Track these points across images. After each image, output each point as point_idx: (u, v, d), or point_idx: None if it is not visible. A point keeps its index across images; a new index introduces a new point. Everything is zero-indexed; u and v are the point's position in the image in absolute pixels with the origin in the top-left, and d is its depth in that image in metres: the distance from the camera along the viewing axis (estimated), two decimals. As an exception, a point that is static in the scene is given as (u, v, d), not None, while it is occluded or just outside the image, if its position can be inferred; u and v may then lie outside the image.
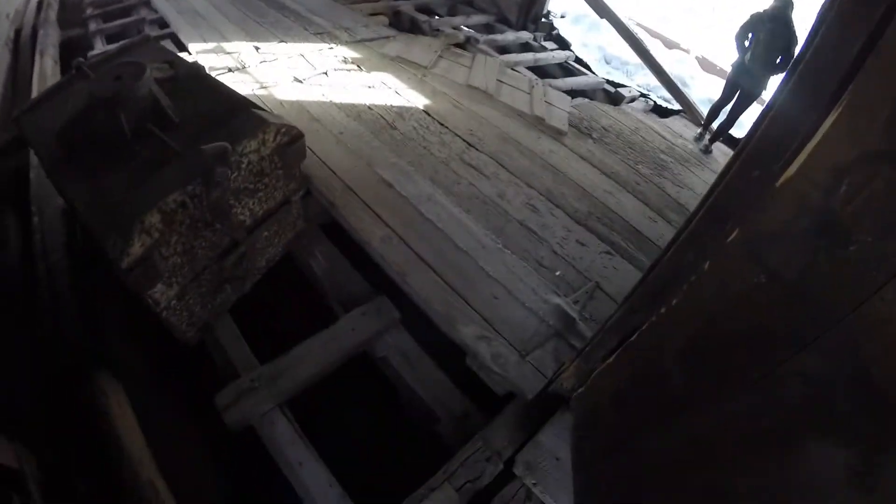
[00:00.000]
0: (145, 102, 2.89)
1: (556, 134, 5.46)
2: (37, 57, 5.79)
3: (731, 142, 7.65)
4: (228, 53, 6.00)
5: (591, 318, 3.60)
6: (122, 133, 2.80)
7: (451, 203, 4.18)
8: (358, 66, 6.14)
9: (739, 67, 6.41)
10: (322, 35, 6.87)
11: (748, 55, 6.23)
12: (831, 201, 1.32)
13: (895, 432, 1.30)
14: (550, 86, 6.81)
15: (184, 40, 6.37)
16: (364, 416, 3.55)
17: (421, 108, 5.43)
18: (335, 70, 5.92)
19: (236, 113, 3.13)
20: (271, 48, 6.30)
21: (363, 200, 4.08)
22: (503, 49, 8.52)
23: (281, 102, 5.15)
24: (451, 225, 3.97)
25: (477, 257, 3.76)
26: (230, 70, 5.61)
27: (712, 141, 7.01)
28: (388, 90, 5.69)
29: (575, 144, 5.42)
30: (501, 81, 6.27)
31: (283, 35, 6.77)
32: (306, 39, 6.71)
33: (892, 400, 1.29)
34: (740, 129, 7.78)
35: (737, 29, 6.38)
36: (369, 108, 5.28)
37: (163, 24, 7.14)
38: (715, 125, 7.19)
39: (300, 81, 5.58)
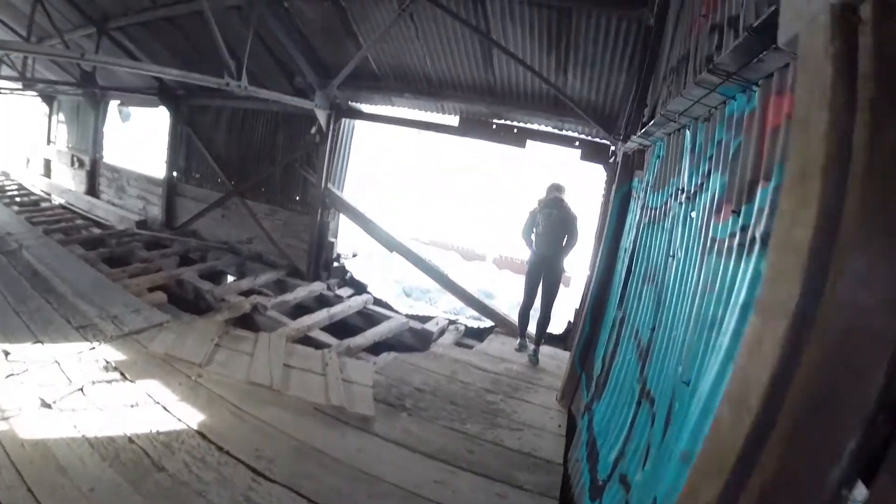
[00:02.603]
0: None
1: (363, 422, 4.59)
2: None
3: (554, 340, 7.36)
4: (-27, 364, 4.67)
5: None
6: None
7: None
8: (122, 373, 4.98)
9: (533, 258, 6.54)
10: (85, 329, 5.68)
11: (536, 245, 6.45)
12: None
13: None
14: (350, 347, 6.13)
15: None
16: None
17: (194, 427, 4.34)
18: (94, 384, 4.71)
19: None
20: (24, 352, 5.02)
21: None
22: (297, 307, 7.88)
23: (23, 443, 3.80)
24: None
25: None
26: (-30, 392, 4.28)
27: (536, 345, 6.70)
28: (154, 407, 4.56)
29: (387, 428, 4.57)
30: (289, 366, 5.40)
31: (42, 331, 5.50)
32: (66, 337, 5.48)
33: None
34: (557, 323, 7.55)
35: (521, 227, 6.59)
36: (130, 440, 4.08)
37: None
38: (532, 328, 6.90)
39: (49, 406, 4.29)
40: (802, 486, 1.08)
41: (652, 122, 3.39)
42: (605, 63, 6.12)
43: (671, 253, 2.84)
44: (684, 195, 2.75)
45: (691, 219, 2.56)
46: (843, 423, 1.04)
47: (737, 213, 1.82)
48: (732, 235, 1.85)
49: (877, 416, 1.02)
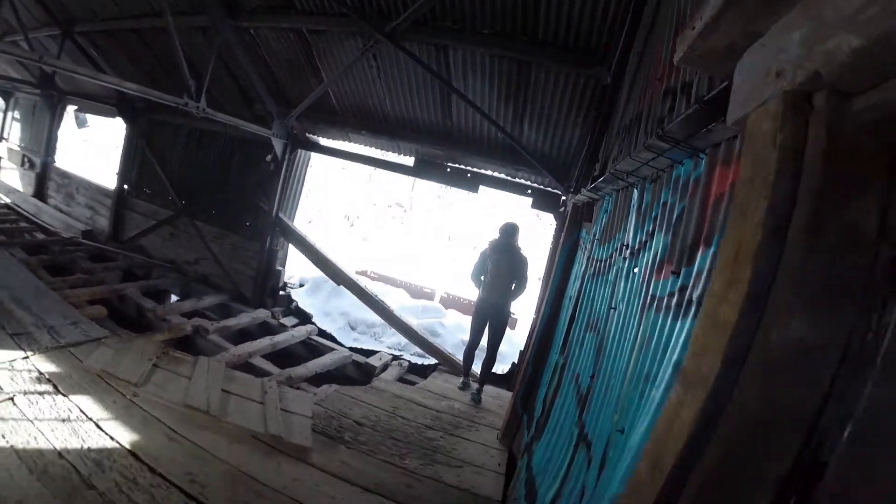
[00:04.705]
0: None
1: (300, 452, 4.55)
2: None
3: (498, 380, 7.40)
4: None
5: None
6: None
7: None
8: (55, 385, 4.77)
9: (481, 302, 6.61)
10: (20, 337, 5.42)
11: (484, 289, 6.52)
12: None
13: None
14: (292, 376, 6.07)
15: None
16: None
17: (127, 447, 4.20)
18: (25, 394, 4.49)
19: None
20: (-49, 354, 4.78)
21: None
22: (240, 333, 7.75)
23: (-53, 451, 3.64)
24: None
25: None
26: None
27: (480, 385, 6.71)
28: (86, 423, 4.38)
29: (325, 460, 4.53)
30: (228, 392, 5.31)
31: (-28, 335, 5.25)
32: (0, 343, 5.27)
33: None
34: (502, 363, 7.61)
35: (471, 269, 6.68)
36: (60, 455, 3.90)
37: None
38: (477, 368, 6.94)
39: (-23, 413, 4.12)
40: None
41: (602, 178, 3.54)
42: (560, 116, 6.37)
43: (613, 305, 2.97)
44: (628, 251, 2.89)
45: (634, 274, 2.69)
46: (751, 495, 1.05)
47: (676, 273, 1.94)
48: (671, 295, 1.97)
49: (789, 480, 1.02)
